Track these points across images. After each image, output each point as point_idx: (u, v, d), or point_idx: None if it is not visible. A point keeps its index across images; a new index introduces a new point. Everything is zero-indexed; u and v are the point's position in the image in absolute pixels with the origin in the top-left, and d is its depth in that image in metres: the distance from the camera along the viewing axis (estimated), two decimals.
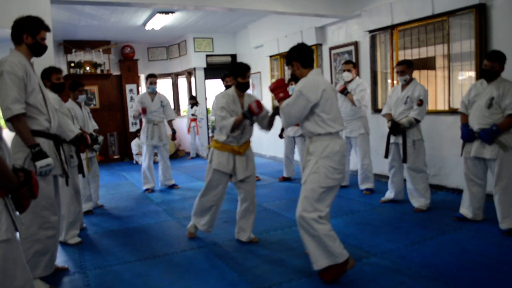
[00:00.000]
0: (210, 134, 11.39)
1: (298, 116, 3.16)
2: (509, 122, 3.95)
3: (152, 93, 6.73)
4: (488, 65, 4.02)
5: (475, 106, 4.17)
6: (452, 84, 5.60)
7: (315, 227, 3.05)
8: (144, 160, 6.70)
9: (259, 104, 3.76)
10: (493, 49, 4.74)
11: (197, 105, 10.55)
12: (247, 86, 3.99)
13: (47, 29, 3.17)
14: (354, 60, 7.07)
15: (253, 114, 3.76)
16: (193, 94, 11.10)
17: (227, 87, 7.05)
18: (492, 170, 4.09)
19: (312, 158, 3.16)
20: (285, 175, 7.16)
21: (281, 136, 7.10)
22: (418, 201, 4.91)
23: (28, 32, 3.06)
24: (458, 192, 5.46)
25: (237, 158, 3.99)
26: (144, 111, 6.57)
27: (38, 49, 3.14)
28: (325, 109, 3.10)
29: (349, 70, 5.84)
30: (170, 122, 6.88)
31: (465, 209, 4.42)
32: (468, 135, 4.18)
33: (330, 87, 3.17)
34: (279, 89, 3.33)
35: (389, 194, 5.29)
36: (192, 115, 10.52)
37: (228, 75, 7.03)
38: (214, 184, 4.04)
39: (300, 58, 3.22)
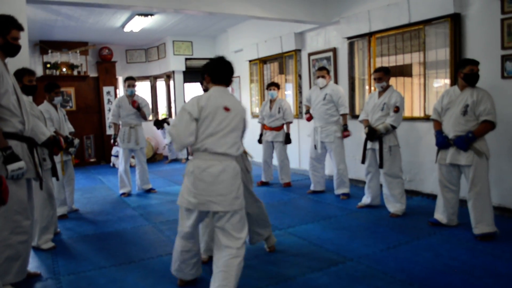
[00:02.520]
0: None
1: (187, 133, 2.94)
2: (484, 129, 4.03)
3: (130, 96, 6.65)
4: (475, 68, 4.09)
5: (449, 114, 4.24)
6: (427, 91, 5.71)
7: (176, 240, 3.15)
8: (120, 164, 6.61)
9: None
10: (467, 57, 4.85)
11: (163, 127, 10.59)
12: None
13: (19, 28, 3.10)
14: (332, 66, 7.15)
15: None
16: (159, 118, 11.17)
17: (205, 90, 7.05)
18: (467, 176, 4.17)
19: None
20: (263, 179, 7.17)
21: (259, 141, 7.12)
22: (394, 206, 4.98)
23: None
24: (433, 197, 5.55)
25: None
26: (135, 104, 6.56)
27: (10, 49, 3.07)
28: (201, 128, 2.93)
29: (323, 77, 5.90)
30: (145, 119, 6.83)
31: (440, 215, 4.49)
32: (443, 142, 4.25)
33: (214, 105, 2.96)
34: None
35: (366, 199, 5.34)
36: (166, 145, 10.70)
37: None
38: None
39: (211, 72, 3.15)
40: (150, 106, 11.65)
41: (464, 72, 4.12)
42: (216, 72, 3.12)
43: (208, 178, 2.89)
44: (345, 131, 5.87)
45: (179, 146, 2.95)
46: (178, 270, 3.22)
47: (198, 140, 2.93)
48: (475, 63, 4.11)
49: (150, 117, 10.57)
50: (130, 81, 6.62)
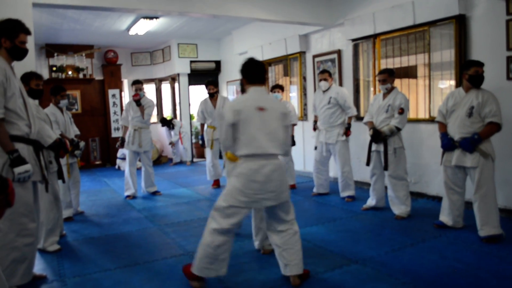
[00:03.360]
0: (194, 140, 11.36)
1: (223, 137, 3.18)
2: (490, 130, 4.02)
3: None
4: (480, 70, 4.08)
5: (455, 115, 4.23)
6: (432, 93, 5.69)
7: (205, 235, 3.13)
8: (126, 166, 6.64)
9: None
10: (472, 58, 4.84)
11: (172, 127, 10.63)
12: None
13: (27, 32, 3.13)
14: (337, 68, 7.15)
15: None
16: (164, 116, 11.17)
17: (210, 94, 7.09)
18: (472, 178, 4.15)
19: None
20: None
21: None
22: (399, 208, 4.96)
23: (6, 36, 3.01)
24: (439, 199, 5.52)
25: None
26: (137, 96, 6.63)
27: (18, 53, 3.10)
28: (240, 131, 3.09)
29: (325, 79, 5.89)
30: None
31: (445, 217, 4.48)
32: (448, 144, 4.24)
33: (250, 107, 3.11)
34: None
35: (371, 202, 5.33)
36: (171, 142, 10.71)
37: (211, 82, 7.12)
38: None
39: (246, 73, 3.27)
40: (156, 109, 11.83)
41: (469, 73, 4.11)
42: (249, 73, 3.26)
43: (261, 178, 3.06)
44: (347, 130, 5.85)
45: (223, 149, 3.32)
46: (205, 267, 3.12)
47: (242, 145, 3.08)
48: (480, 64, 4.10)
49: (153, 119, 10.66)
50: (138, 85, 6.65)
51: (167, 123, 10.69)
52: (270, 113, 3.14)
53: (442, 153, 4.39)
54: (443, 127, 4.39)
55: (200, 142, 7.31)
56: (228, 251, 3.16)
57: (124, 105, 7.92)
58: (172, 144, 10.79)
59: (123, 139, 6.69)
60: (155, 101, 12.03)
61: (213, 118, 7.03)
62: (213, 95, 7.12)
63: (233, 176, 3.13)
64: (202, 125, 7.43)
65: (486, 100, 4.02)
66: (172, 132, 10.71)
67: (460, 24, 5.17)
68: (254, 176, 3.05)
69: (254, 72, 3.26)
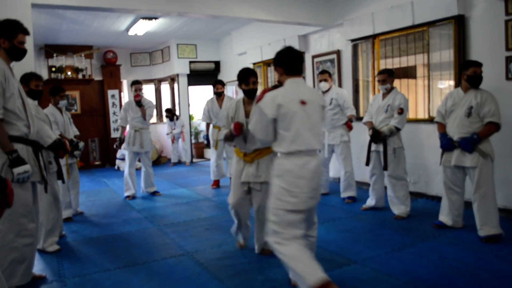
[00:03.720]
0: (193, 141, 11.36)
1: (265, 133, 2.93)
2: (489, 130, 4.02)
3: None
4: (478, 70, 4.09)
5: (454, 116, 4.24)
6: (432, 93, 5.70)
7: (277, 249, 2.80)
8: (126, 167, 6.64)
9: (236, 126, 3.58)
10: (471, 59, 4.84)
11: (176, 118, 10.57)
12: (252, 92, 3.77)
13: (25, 32, 3.13)
14: (336, 68, 7.15)
15: (232, 136, 3.68)
16: (175, 100, 11.06)
17: (216, 94, 7.07)
18: (471, 178, 4.15)
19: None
20: None
21: None
22: (399, 208, 4.97)
23: (5, 36, 3.01)
24: (438, 199, 5.53)
25: (246, 165, 3.77)
26: (138, 97, 6.59)
27: (17, 53, 3.10)
28: (283, 126, 2.85)
29: (325, 80, 5.88)
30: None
31: (445, 217, 4.48)
32: (447, 144, 4.24)
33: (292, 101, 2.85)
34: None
35: (370, 202, 5.33)
36: (170, 132, 10.63)
37: (218, 82, 7.10)
38: (232, 189, 3.92)
39: (283, 63, 2.98)
40: (155, 109, 11.82)
41: (467, 74, 4.12)
42: (288, 63, 2.96)
43: (308, 175, 2.83)
44: (349, 121, 5.82)
45: (259, 143, 3.14)
46: (312, 272, 2.63)
47: (285, 141, 2.83)
48: (478, 64, 4.10)
49: (152, 120, 10.65)
50: (137, 85, 6.64)
51: (172, 114, 10.63)
52: (312, 106, 2.91)
53: (442, 153, 4.39)
54: (442, 127, 4.39)
55: (205, 142, 7.24)
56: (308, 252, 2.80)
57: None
58: (171, 134, 10.65)
59: (121, 140, 6.69)
60: (154, 102, 12.06)
61: (219, 118, 7.03)
62: (220, 95, 7.11)
63: (274, 179, 2.90)
64: (208, 125, 7.37)
65: (485, 100, 4.03)
66: (175, 125, 10.59)
67: (459, 24, 5.17)
68: (301, 172, 2.81)
69: (292, 62, 2.96)
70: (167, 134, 10.80)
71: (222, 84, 7.17)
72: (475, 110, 4.06)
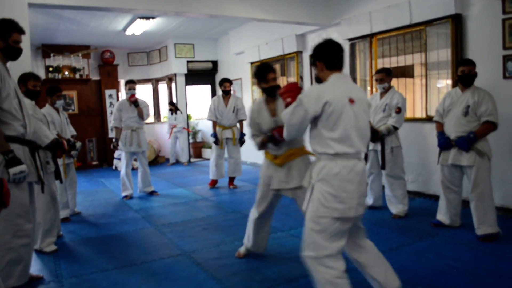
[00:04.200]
0: (191, 141, 11.34)
1: (298, 128, 2.64)
2: (485, 129, 4.03)
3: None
4: (466, 69, 4.09)
5: (451, 115, 4.24)
6: (429, 92, 5.70)
7: (316, 270, 2.55)
8: (122, 167, 6.62)
9: (280, 132, 3.15)
10: (468, 57, 4.84)
11: (177, 113, 10.50)
12: (273, 90, 3.46)
13: (20, 31, 3.11)
14: None
15: (276, 141, 3.35)
16: (173, 100, 11.02)
17: (224, 92, 7.01)
18: (469, 176, 4.16)
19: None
20: None
21: None
22: (396, 207, 4.97)
23: None
24: (436, 198, 5.53)
25: (276, 168, 3.48)
26: (134, 97, 6.54)
27: (12, 53, 3.08)
28: (327, 125, 2.54)
29: None
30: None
31: (442, 216, 4.48)
32: (445, 143, 4.25)
33: (340, 99, 2.52)
34: (288, 93, 2.80)
35: (368, 200, 5.32)
36: (174, 126, 10.52)
37: (226, 80, 7.06)
38: (259, 197, 3.66)
39: (324, 57, 2.67)
40: (152, 109, 11.82)
41: (458, 73, 4.16)
42: (329, 56, 2.65)
43: (356, 178, 2.54)
44: None
45: (286, 135, 2.72)
46: None
47: (330, 143, 2.53)
48: (466, 63, 4.12)
49: (149, 120, 10.61)
50: (131, 85, 6.62)
51: (175, 107, 10.58)
52: (360, 105, 2.60)
53: (439, 152, 4.39)
54: (440, 126, 4.40)
55: (214, 139, 7.11)
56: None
57: None
58: (176, 128, 10.57)
59: (117, 141, 6.65)
60: (152, 101, 12.07)
61: (223, 117, 7.00)
62: (227, 93, 7.05)
63: (317, 183, 2.58)
64: (214, 123, 7.13)
65: (482, 99, 4.03)
66: (175, 119, 10.52)
67: (457, 24, 5.18)
68: (349, 175, 2.52)
69: (333, 55, 2.65)
70: (173, 127, 10.64)
71: (230, 82, 7.12)
72: (472, 109, 4.06)
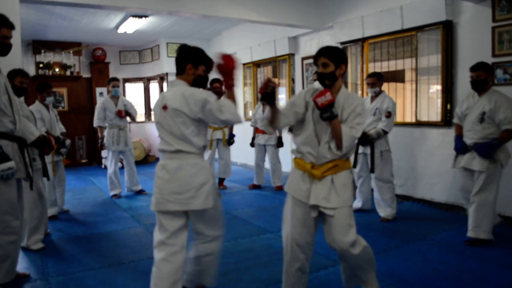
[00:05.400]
0: None
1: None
2: (506, 137, 3.91)
3: (115, 97, 6.62)
4: (474, 75, 4.02)
5: (468, 120, 4.14)
6: (419, 97, 5.76)
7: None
8: (110, 166, 6.58)
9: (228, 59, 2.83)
10: (458, 64, 4.90)
11: None
12: (322, 77, 2.78)
13: (10, 26, 3.07)
14: None
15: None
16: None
17: (215, 92, 6.93)
18: (476, 179, 4.06)
19: None
20: (255, 182, 7.17)
21: (252, 144, 7.12)
22: (385, 210, 5.00)
23: None
24: (424, 202, 5.61)
25: (314, 182, 2.70)
26: (122, 113, 6.52)
27: (1, 48, 3.05)
28: None
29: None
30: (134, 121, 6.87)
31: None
32: (461, 147, 4.16)
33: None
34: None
35: (357, 204, 5.36)
36: None
37: (216, 80, 6.97)
38: (286, 213, 2.87)
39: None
40: (143, 108, 11.77)
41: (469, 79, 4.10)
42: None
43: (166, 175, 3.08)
44: None
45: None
46: None
47: None
48: (474, 69, 4.03)
49: (140, 119, 10.55)
50: (115, 82, 6.59)
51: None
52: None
53: (455, 156, 4.29)
54: (458, 129, 4.30)
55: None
56: None
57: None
58: None
59: (102, 140, 6.57)
60: (143, 100, 12.01)
61: None
62: (218, 94, 6.94)
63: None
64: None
65: (500, 105, 3.90)
66: None
67: (447, 30, 5.24)
68: (161, 172, 3.14)
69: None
70: None
71: (221, 83, 7.05)
72: (489, 115, 3.93)
